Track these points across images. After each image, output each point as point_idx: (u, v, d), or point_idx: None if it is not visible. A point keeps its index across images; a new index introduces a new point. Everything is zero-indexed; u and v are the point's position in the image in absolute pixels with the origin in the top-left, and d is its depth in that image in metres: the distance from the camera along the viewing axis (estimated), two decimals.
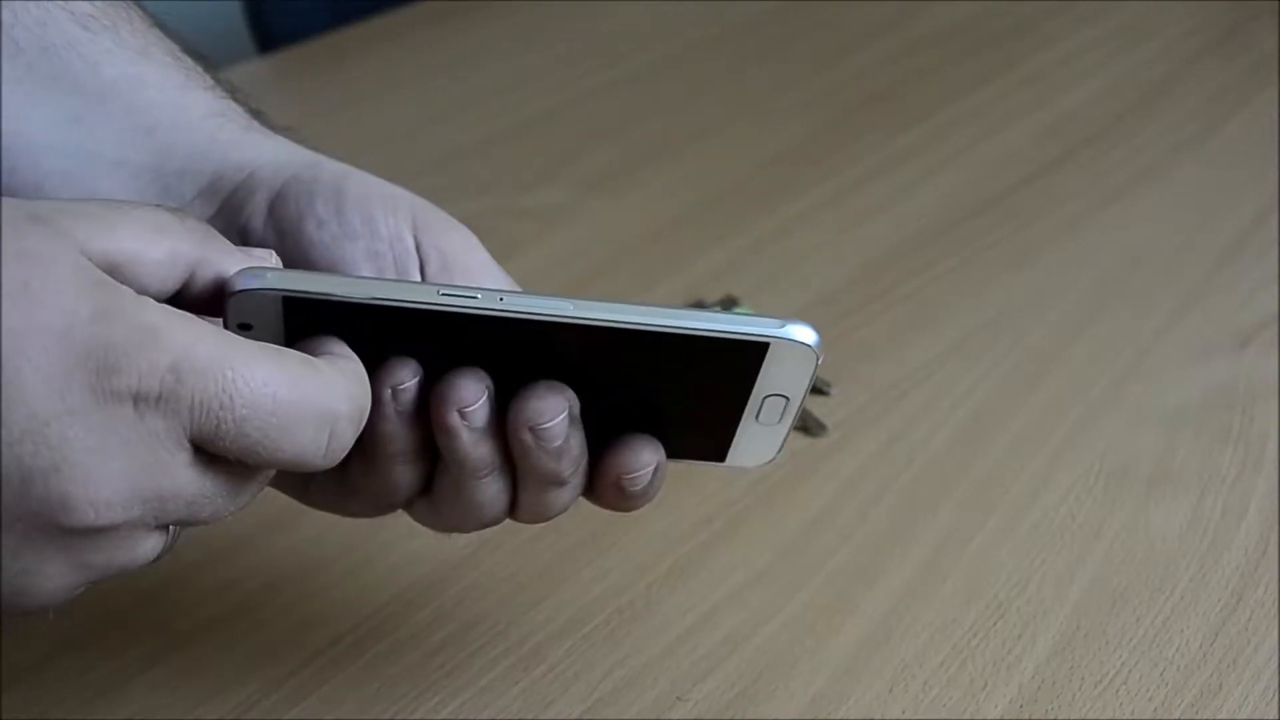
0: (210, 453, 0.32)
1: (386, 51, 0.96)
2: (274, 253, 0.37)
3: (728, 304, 0.66)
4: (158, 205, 0.34)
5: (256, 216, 0.42)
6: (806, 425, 0.60)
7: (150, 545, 0.33)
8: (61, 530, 0.30)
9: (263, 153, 0.43)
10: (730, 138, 0.85)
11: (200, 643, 0.50)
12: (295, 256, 0.41)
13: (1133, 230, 0.76)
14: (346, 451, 0.34)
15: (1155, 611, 0.51)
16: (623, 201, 0.78)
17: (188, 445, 0.31)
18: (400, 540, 0.54)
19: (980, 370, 0.64)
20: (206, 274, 0.34)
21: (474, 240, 0.42)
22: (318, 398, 0.33)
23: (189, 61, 0.45)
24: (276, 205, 0.42)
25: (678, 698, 0.48)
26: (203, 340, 0.31)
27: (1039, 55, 0.96)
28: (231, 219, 0.42)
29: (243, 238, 0.42)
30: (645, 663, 0.49)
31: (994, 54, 0.96)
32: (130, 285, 0.32)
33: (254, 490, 0.34)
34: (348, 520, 0.56)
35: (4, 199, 0.31)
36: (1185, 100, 0.90)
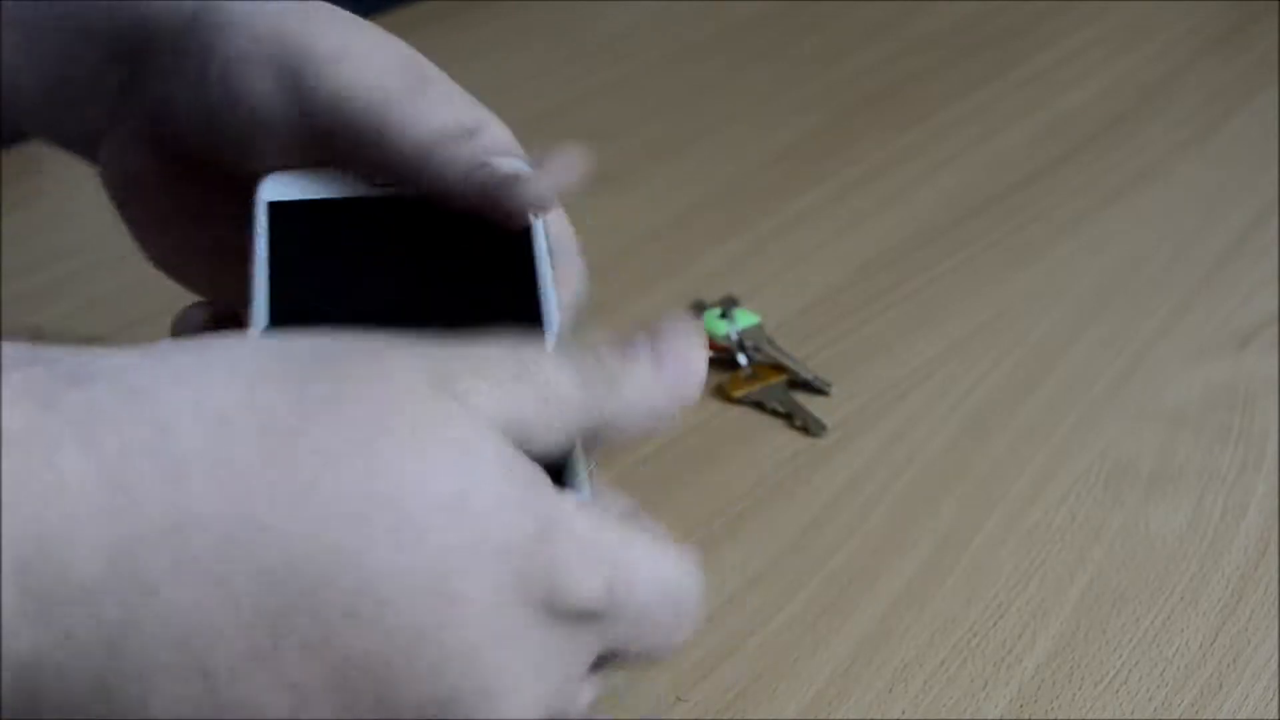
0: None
1: None
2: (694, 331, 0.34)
3: (728, 304, 0.66)
4: (558, 357, 0.31)
5: (158, 89, 0.40)
6: (806, 425, 0.60)
7: None
8: None
9: (154, 3, 0.40)
10: (730, 138, 0.85)
11: None
12: (197, 137, 0.40)
13: (1133, 230, 0.76)
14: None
15: (1155, 611, 0.51)
16: (623, 201, 0.78)
17: (597, 653, 0.29)
18: None
19: (980, 370, 0.64)
20: (602, 440, 0.32)
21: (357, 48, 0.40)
22: (695, 596, 0.31)
23: None
24: (173, 79, 0.40)
25: (678, 698, 0.48)
26: (631, 549, 0.29)
27: (1039, 55, 0.96)
28: (139, 90, 0.40)
29: (153, 113, 0.40)
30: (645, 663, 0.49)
31: (994, 54, 0.96)
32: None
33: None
34: None
35: (401, 353, 0.29)
36: (1185, 100, 0.90)
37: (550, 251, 0.40)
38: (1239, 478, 0.58)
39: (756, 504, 0.56)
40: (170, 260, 0.45)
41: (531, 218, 0.39)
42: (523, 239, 0.40)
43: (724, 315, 0.64)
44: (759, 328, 0.64)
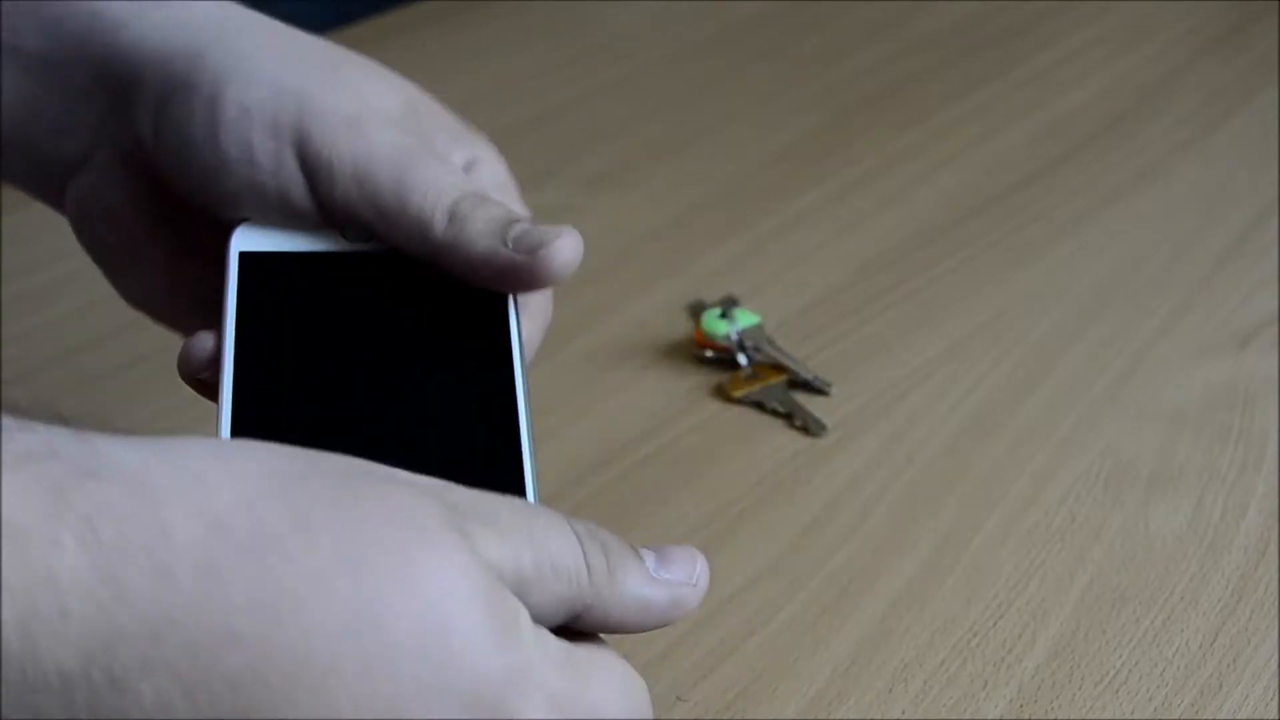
0: None
1: (386, 51, 0.96)
2: (695, 556, 0.35)
3: (728, 304, 0.66)
4: (567, 526, 0.32)
5: (145, 126, 0.39)
6: (806, 425, 0.60)
7: None
8: None
9: (149, 33, 0.40)
10: (730, 138, 0.85)
11: None
12: (182, 181, 0.39)
13: (1133, 230, 0.76)
14: None
15: (1155, 611, 0.51)
16: (623, 201, 0.78)
17: None
18: None
19: (980, 370, 0.64)
20: (588, 621, 0.32)
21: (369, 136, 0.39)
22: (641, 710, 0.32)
23: None
24: (160, 120, 0.39)
25: (678, 698, 0.48)
26: (592, 689, 0.30)
27: (1039, 55, 0.96)
28: (123, 124, 0.40)
29: (134, 149, 0.40)
30: (645, 663, 0.49)
31: (994, 54, 0.96)
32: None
33: None
34: None
35: (415, 491, 0.29)
36: (1185, 100, 0.90)
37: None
38: (1239, 478, 0.58)
39: (756, 504, 0.56)
40: (149, 299, 0.44)
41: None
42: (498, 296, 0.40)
43: (724, 315, 0.64)
44: (759, 328, 0.64)
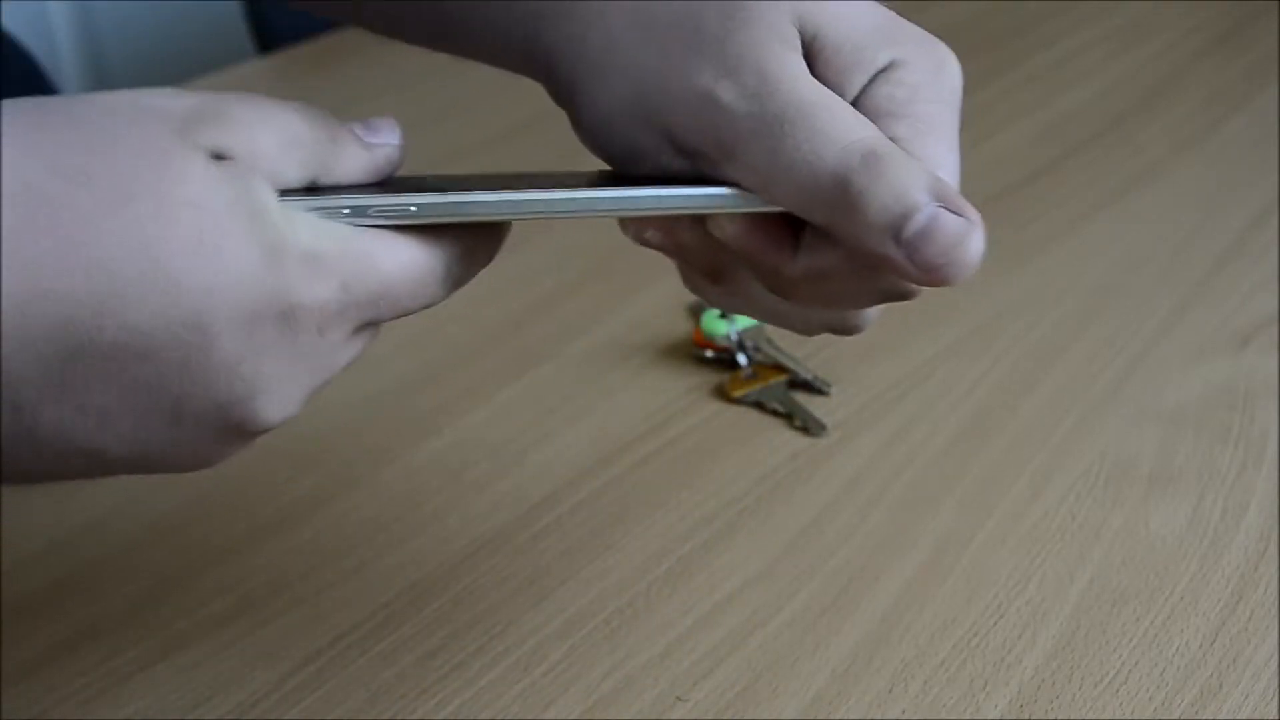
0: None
1: (386, 52, 0.96)
2: (394, 124, 0.39)
3: None
4: (290, 107, 0.36)
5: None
6: (806, 425, 0.60)
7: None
8: (253, 434, 0.35)
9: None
10: None
11: (200, 643, 0.50)
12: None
13: (1133, 230, 0.76)
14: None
15: (1155, 611, 0.51)
16: None
17: (353, 330, 0.35)
18: (400, 540, 0.54)
19: (980, 370, 0.64)
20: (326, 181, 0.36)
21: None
22: (441, 262, 0.36)
23: None
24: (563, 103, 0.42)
25: (678, 698, 0.48)
26: (352, 244, 0.34)
27: (1039, 55, 0.96)
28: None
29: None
30: (645, 663, 0.49)
31: (994, 54, 0.96)
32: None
33: None
34: (348, 521, 0.56)
35: (133, 99, 0.33)
36: (1185, 100, 0.90)
37: None
38: (1239, 478, 0.58)
39: (756, 504, 0.56)
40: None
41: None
42: None
43: (724, 315, 0.64)
44: (759, 328, 0.64)
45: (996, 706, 0.47)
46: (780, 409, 0.61)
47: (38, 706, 0.47)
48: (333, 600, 0.52)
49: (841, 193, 0.36)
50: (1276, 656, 0.49)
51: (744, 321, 0.64)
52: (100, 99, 0.34)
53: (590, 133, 0.41)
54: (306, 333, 0.34)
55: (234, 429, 0.34)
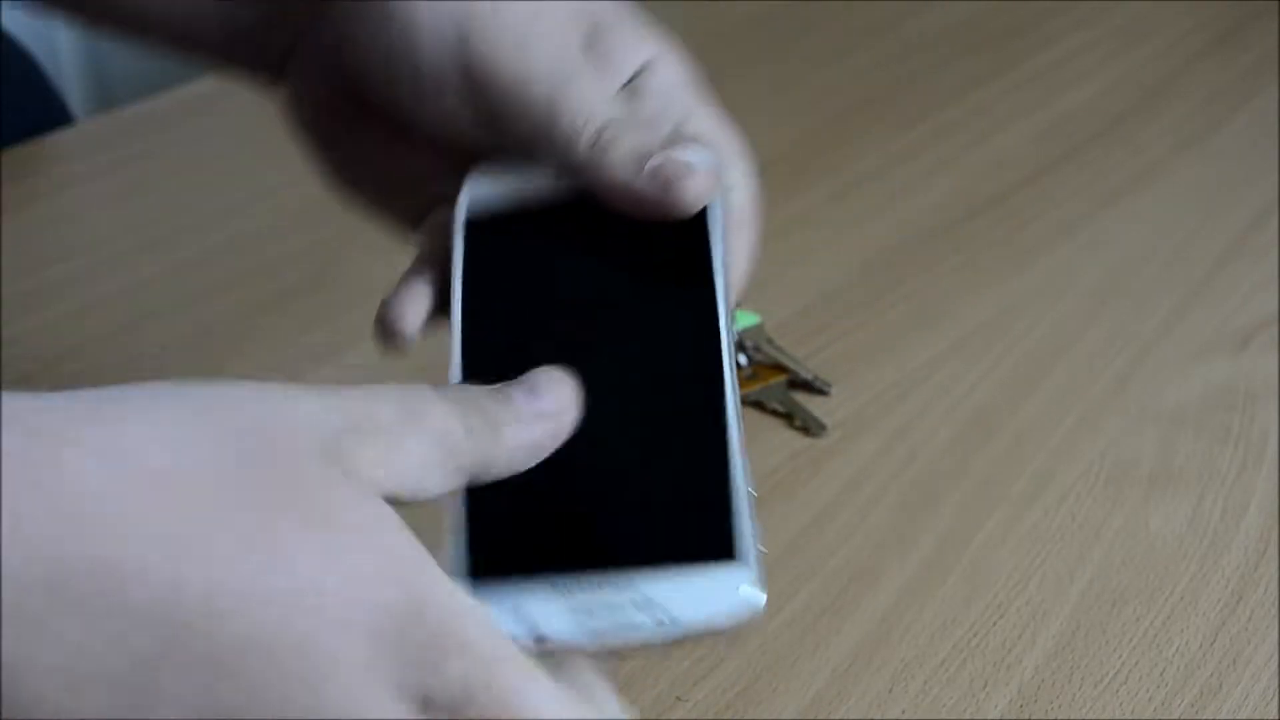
0: None
1: None
2: (559, 379, 0.34)
3: None
4: (443, 401, 0.32)
5: (329, 36, 0.41)
6: (806, 425, 0.60)
7: None
8: None
9: None
10: None
11: None
12: (365, 89, 0.41)
13: (1133, 230, 0.76)
14: None
15: (1155, 611, 0.51)
16: None
17: None
18: None
19: (980, 370, 0.64)
20: (487, 479, 0.33)
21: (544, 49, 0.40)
22: None
23: None
24: (342, 31, 0.41)
25: (678, 698, 0.48)
26: (504, 663, 0.29)
27: (1039, 55, 0.96)
28: (328, 35, 0.41)
29: (337, 58, 0.42)
30: (645, 663, 0.49)
31: (994, 54, 0.96)
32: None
33: None
34: None
35: (293, 428, 0.29)
36: (1185, 100, 0.90)
37: (723, 226, 0.40)
38: (1239, 478, 0.58)
39: (756, 503, 0.56)
40: (339, 183, 0.46)
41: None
42: (697, 222, 0.40)
43: None
44: (759, 328, 0.64)
45: (996, 706, 0.47)
46: (780, 409, 0.61)
47: None
48: None
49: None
50: (1276, 656, 0.49)
51: (744, 321, 0.64)
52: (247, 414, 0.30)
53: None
54: (412, 705, 0.28)
55: None
